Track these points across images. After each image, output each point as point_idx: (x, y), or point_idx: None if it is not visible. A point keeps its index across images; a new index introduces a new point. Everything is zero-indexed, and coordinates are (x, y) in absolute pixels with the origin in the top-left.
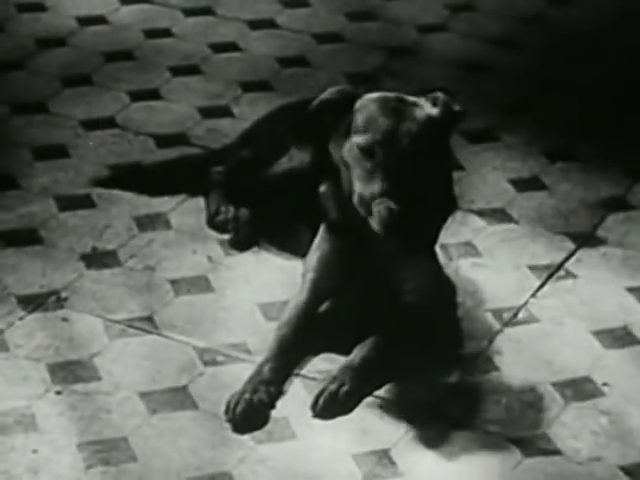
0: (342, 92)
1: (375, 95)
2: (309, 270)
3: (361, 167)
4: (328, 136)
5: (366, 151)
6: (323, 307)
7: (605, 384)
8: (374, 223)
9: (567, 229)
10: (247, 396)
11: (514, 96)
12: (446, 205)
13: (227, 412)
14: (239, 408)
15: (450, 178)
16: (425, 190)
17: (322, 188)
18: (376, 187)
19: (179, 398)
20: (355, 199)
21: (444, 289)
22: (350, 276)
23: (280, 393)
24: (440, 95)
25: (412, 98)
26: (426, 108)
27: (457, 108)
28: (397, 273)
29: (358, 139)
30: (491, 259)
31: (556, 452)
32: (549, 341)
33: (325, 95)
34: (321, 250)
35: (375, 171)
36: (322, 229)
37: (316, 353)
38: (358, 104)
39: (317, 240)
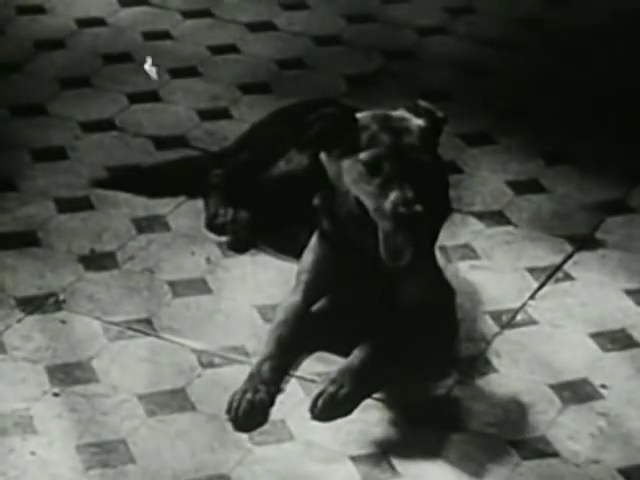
0: (339, 109)
1: (369, 114)
2: (303, 271)
3: (369, 183)
4: (321, 149)
5: (372, 166)
6: (318, 307)
7: (603, 386)
8: (389, 230)
9: (565, 231)
10: (249, 396)
11: (513, 98)
12: (443, 209)
13: (229, 412)
14: (242, 408)
15: (446, 183)
16: (429, 197)
17: (316, 200)
18: (394, 196)
19: (177, 400)
20: (373, 214)
21: (444, 292)
22: (344, 279)
23: (279, 391)
24: (421, 104)
25: (397, 112)
26: (414, 120)
27: (439, 114)
28: (397, 275)
29: (363, 155)
30: (490, 261)
31: (554, 454)
32: (547, 343)
33: (323, 112)
34: (315, 253)
35: (387, 185)
36: (317, 233)
37: (311, 353)
38: (359, 124)
39: (312, 242)
